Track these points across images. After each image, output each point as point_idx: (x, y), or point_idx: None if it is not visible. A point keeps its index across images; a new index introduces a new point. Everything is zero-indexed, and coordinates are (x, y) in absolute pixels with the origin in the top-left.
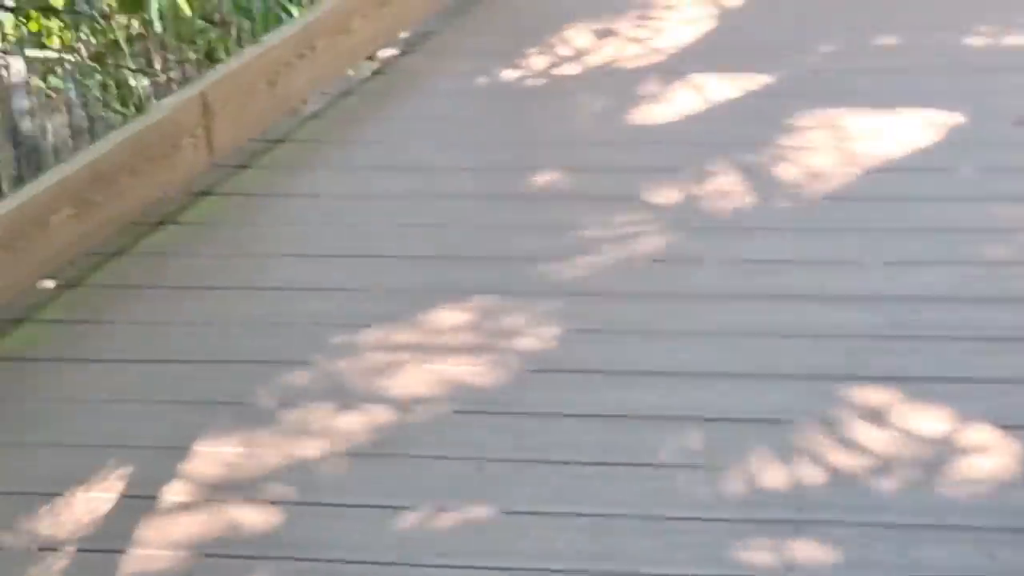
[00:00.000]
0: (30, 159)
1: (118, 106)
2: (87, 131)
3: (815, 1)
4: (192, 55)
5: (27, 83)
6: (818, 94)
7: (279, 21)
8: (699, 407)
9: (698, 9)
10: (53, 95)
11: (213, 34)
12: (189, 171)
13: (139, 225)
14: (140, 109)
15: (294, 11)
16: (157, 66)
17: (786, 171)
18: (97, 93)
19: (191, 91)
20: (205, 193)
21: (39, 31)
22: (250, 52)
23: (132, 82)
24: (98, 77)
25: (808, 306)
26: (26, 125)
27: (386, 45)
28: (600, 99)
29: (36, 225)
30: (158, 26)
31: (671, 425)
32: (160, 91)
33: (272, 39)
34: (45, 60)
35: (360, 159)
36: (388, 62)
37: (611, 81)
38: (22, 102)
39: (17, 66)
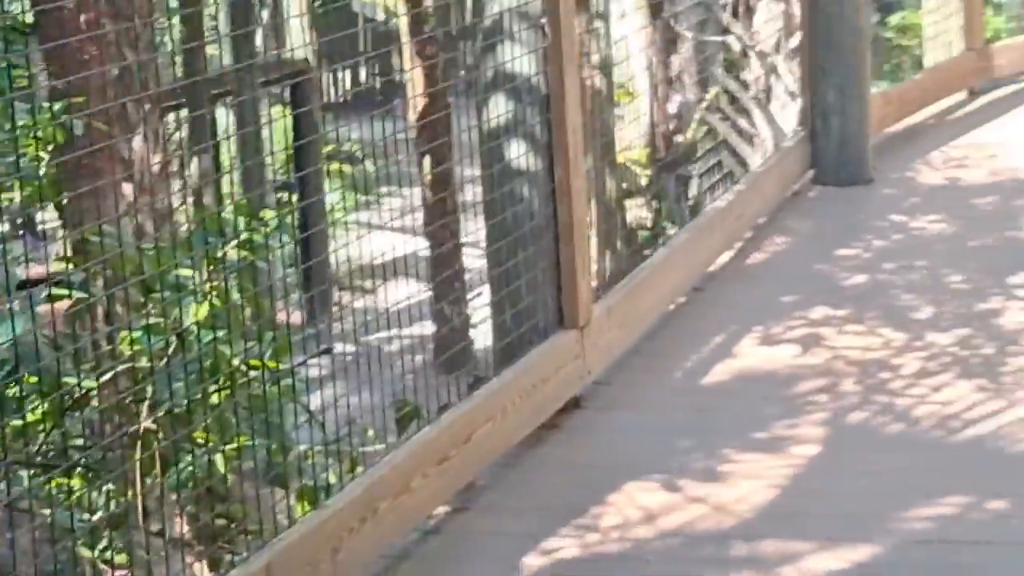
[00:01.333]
0: None
1: None
2: None
3: (897, 457)
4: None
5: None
6: (922, 572)
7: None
8: None
9: (768, 462)
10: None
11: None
12: None
13: None
14: None
15: (332, 477)
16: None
17: None
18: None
19: (257, 563)
20: None
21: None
22: (314, 517)
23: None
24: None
25: None
26: None
27: (443, 502)
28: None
29: None
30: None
31: None
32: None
33: (336, 503)
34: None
35: None
36: (442, 520)
37: (680, 551)
38: None
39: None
